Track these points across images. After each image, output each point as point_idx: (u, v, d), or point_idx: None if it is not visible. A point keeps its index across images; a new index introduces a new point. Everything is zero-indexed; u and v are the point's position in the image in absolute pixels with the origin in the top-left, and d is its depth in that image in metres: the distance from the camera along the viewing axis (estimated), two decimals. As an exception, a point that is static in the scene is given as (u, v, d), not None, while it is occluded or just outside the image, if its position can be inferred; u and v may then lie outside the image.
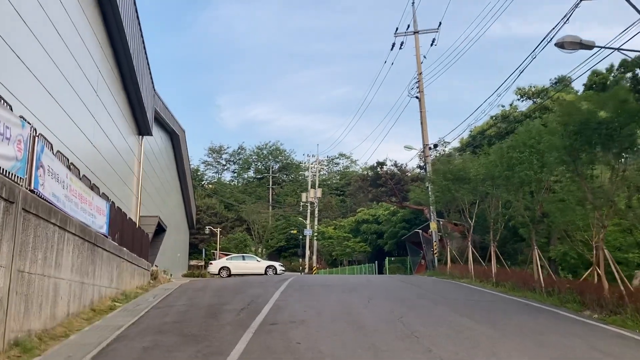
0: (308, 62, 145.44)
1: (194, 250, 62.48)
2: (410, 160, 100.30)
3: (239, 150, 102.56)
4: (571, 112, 11.21)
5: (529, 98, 26.35)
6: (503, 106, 26.45)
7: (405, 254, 47.78)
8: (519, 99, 26.33)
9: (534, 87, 25.59)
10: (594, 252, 16.23)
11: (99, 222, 14.37)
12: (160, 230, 33.92)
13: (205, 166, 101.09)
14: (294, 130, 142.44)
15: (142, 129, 28.86)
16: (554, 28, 17.30)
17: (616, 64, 22.73)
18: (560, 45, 10.19)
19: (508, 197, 16.47)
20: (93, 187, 14.09)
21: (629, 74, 22.92)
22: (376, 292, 15.87)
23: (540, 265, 16.07)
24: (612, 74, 23.79)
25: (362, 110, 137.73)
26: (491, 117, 27.93)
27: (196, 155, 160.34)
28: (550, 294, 14.54)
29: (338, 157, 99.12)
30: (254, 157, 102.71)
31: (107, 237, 14.91)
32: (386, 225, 50.53)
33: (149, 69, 28.02)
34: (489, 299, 14.60)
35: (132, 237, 20.02)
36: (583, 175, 11.94)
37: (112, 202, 16.72)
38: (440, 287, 18.01)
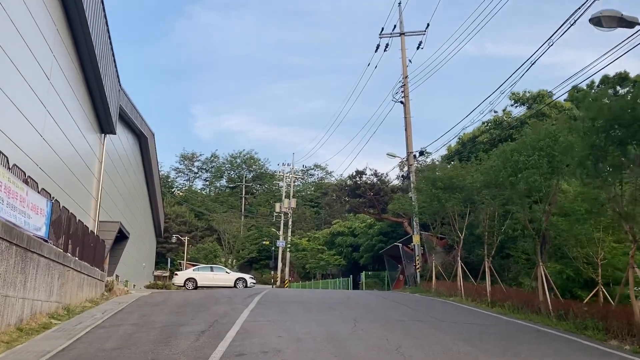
0: (284, 75, 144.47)
1: (161, 260, 59.50)
2: (392, 170, 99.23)
3: (212, 158, 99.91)
4: (599, 107, 9.50)
5: (523, 104, 24.92)
6: (496, 112, 25.02)
7: (381, 268, 45.94)
8: (512, 105, 24.92)
9: (529, 92, 24.20)
10: (599, 270, 14.66)
11: (36, 223, 11.97)
12: (122, 237, 31.27)
13: (176, 173, 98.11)
14: (268, 141, 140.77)
15: (105, 127, 26.43)
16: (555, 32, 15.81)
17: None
18: (597, 21, 8.46)
19: (512, 206, 14.69)
20: (28, 181, 11.73)
21: (610, 90, 21.91)
22: (360, 312, 13.84)
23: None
24: (593, 90, 22.67)
25: (338, 122, 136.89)
26: (483, 123, 26.43)
27: (168, 162, 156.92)
28: (561, 318, 12.74)
29: (313, 168, 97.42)
30: (227, 166, 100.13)
31: (46, 241, 12.51)
32: (362, 238, 48.70)
33: (114, 60, 25.63)
34: (491, 322, 12.71)
35: (83, 243, 17.55)
36: (608, 179, 10.20)
37: (55, 200, 14.31)
38: (431, 307, 16.08)
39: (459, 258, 20.96)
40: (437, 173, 20.05)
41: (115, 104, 26.61)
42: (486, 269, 18.00)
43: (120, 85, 27.75)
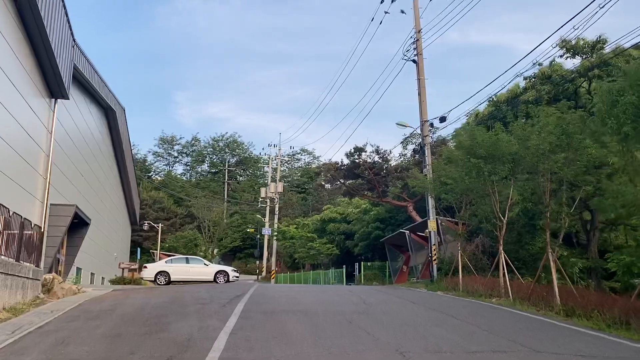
0: (269, 61, 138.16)
1: (135, 249, 54.31)
2: (394, 148, 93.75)
3: (193, 142, 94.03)
4: None
5: (576, 54, 20.23)
6: (541, 64, 20.31)
7: (378, 257, 41.54)
8: (562, 56, 20.25)
9: (583, 40, 19.52)
10: None
11: None
12: (82, 223, 26.19)
13: (154, 157, 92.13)
14: (253, 129, 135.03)
15: (55, 90, 21.27)
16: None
17: None
18: None
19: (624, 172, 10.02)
20: None
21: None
22: (397, 332, 9.13)
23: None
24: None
25: (326, 103, 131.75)
26: (525, 79, 21.61)
27: (147, 146, 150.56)
28: None
29: (300, 153, 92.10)
30: (209, 150, 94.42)
31: None
32: (357, 224, 44.27)
33: (65, 10, 20.33)
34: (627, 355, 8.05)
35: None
36: None
37: None
38: (488, 318, 11.40)
39: (501, 247, 16.32)
40: (482, 138, 15.24)
41: (67, 63, 21.39)
42: (551, 263, 13.34)
43: (75, 42, 22.48)
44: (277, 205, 56.18)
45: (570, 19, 21.15)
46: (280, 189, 55.64)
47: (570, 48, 19.68)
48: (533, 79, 21.18)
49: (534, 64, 19.20)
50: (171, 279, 26.79)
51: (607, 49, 19.09)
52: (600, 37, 19.64)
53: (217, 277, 26.83)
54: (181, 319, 10.47)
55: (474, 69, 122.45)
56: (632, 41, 15.02)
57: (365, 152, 34.91)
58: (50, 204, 21.07)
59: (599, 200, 11.86)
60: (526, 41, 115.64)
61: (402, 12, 24.60)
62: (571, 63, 20.50)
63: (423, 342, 8.26)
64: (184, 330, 9.04)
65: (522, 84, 22.03)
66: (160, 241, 56.74)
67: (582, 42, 19.61)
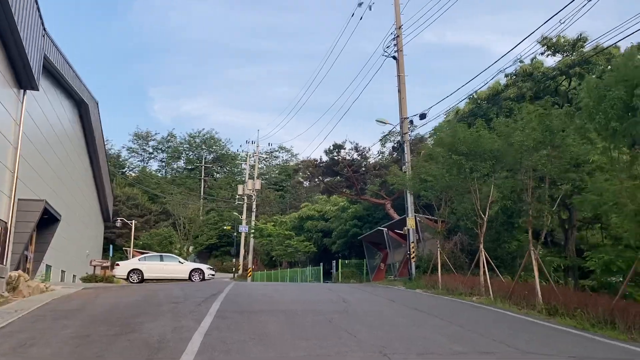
0: (246, 59, 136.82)
1: (108, 247, 53.05)
2: (373, 145, 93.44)
3: (169, 138, 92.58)
4: None
5: (558, 51, 20.19)
6: (522, 61, 20.25)
7: (355, 255, 41.34)
8: (543, 53, 20.18)
9: (563, 38, 19.49)
10: None
11: None
12: (52, 219, 25.29)
13: (129, 153, 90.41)
14: (230, 126, 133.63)
15: (24, 81, 20.35)
16: None
17: None
18: None
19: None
20: None
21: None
22: (380, 332, 8.82)
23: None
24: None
25: (305, 100, 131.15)
26: (506, 76, 21.55)
27: (121, 142, 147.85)
28: None
29: (278, 150, 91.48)
30: (185, 146, 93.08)
31: None
32: (335, 222, 44.01)
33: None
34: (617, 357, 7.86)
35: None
36: None
37: None
38: (472, 318, 11.18)
39: (481, 245, 16.17)
40: (463, 135, 15.06)
41: (36, 53, 20.50)
42: (533, 262, 13.19)
43: (45, 31, 21.58)
44: (254, 203, 55.56)
45: (552, 16, 21.07)
46: (257, 186, 55.00)
47: (551, 45, 19.68)
48: (514, 76, 21.15)
49: (515, 61, 19.23)
50: (144, 277, 26.06)
51: (588, 47, 19.20)
52: (580, 35, 19.71)
53: (192, 275, 26.19)
54: (154, 319, 9.98)
55: (449, 70, 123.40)
56: (611, 40, 14.91)
57: (345, 149, 34.67)
58: (18, 199, 20.21)
59: (583, 197, 11.76)
60: (502, 42, 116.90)
61: (370, 8, 25.27)
62: (552, 61, 20.57)
63: (407, 343, 7.95)
64: (157, 331, 8.57)
65: (503, 81, 22.06)
66: (134, 238, 55.59)
67: (562, 40, 19.64)
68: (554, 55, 20.24)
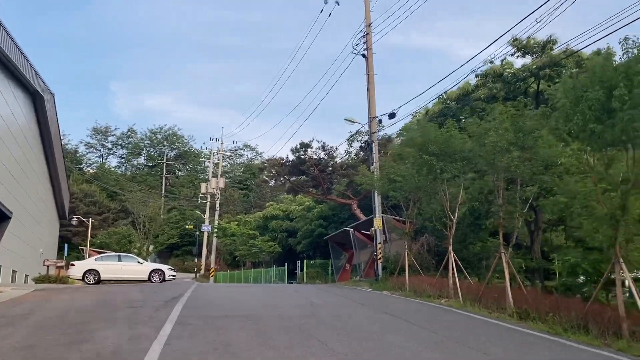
0: (212, 55, 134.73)
1: (63, 246, 51.02)
2: (340, 145, 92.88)
3: (129, 134, 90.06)
4: None
5: (528, 53, 20.21)
6: (492, 62, 20.20)
7: (321, 255, 40.98)
8: (513, 54, 20.17)
9: (533, 39, 19.48)
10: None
11: None
12: (2, 216, 23.95)
13: (87, 148, 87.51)
14: (193, 123, 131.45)
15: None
16: None
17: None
18: None
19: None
20: None
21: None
22: (351, 340, 8.37)
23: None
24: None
25: (270, 99, 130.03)
26: (477, 76, 21.41)
27: (78, 137, 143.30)
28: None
29: (242, 149, 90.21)
30: (146, 142, 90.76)
31: None
32: (300, 222, 43.53)
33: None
34: None
35: None
36: None
37: None
38: (443, 322, 10.85)
39: (450, 247, 15.97)
40: (434, 135, 14.84)
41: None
42: (504, 264, 13.01)
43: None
44: (217, 202, 54.44)
45: (523, 19, 21.22)
46: (221, 185, 53.90)
47: (522, 47, 19.73)
48: (485, 77, 21.12)
49: (486, 62, 19.18)
50: (101, 278, 24.96)
51: (557, 51, 19.31)
52: (550, 37, 19.83)
53: (152, 276, 25.24)
54: (109, 326, 9.26)
55: (414, 73, 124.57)
56: (581, 44, 14.91)
57: (312, 148, 34.20)
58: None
59: (555, 199, 11.63)
60: (465, 46, 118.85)
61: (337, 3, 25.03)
62: (522, 62, 20.65)
63: (384, 353, 7.51)
64: (111, 341, 7.87)
65: (473, 81, 22.01)
66: (91, 237, 53.66)
67: (532, 42, 19.70)
68: (524, 57, 20.36)
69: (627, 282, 16.57)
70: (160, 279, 25.19)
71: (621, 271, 9.63)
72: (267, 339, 8.24)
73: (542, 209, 19.30)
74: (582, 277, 16.90)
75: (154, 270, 25.76)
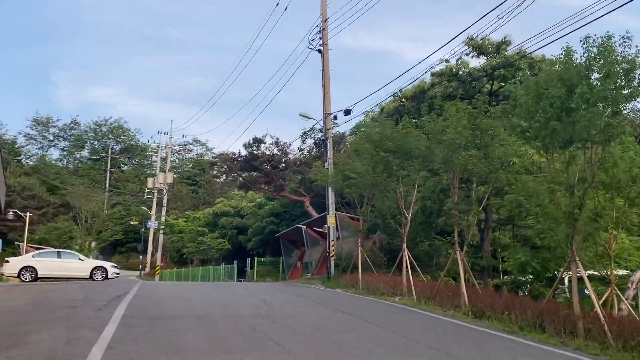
0: (160, 47, 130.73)
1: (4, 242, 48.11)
2: (294, 141, 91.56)
3: (72, 125, 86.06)
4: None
5: (483, 53, 20.38)
6: (448, 61, 20.24)
7: (272, 253, 40.43)
8: (468, 54, 20.27)
9: (488, 40, 19.66)
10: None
11: None
12: None
13: (26, 139, 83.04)
14: (141, 116, 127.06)
15: None
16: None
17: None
18: None
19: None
20: None
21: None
22: (309, 341, 8.00)
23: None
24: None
25: (222, 95, 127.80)
26: (432, 75, 21.41)
27: (17, 127, 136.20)
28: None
29: (192, 144, 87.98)
30: (90, 135, 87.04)
31: None
32: (251, 219, 42.75)
33: None
34: None
35: None
36: None
37: None
38: (401, 322, 10.64)
39: (404, 245, 15.88)
40: (392, 132, 14.69)
41: None
42: (459, 263, 12.96)
43: None
44: (165, 197, 52.82)
45: (476, 21, 21.45)
46: (169, 180, 52.32)
47: (477, 47, 19.92)
48: (440, 76, 21.22)
49: (442, 60, 19.23)
50: (39, 276, 23.52)
51: (510, 52, 19.61)
52: (504, 38, 20.13)
53: (94, 274, 24.00)
54: (45, 327, 8.49)
55: (367, 75, 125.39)
56: (534, 45, 15.11)
57: (265, 143, 33.51)
58: None
59: (514, 197, 11.66)
60: (416, 50, 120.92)
61: None
62: (477, 62, 20.88)
63: (343, 355, 7.17)
64: (46, 345, 7.16)
65: (428, 79, 22.08)
66: (29, 232, 50.78)
67: (487, 42, 19.94)
68: (478, 57, 20.58)
69: (565, 280, 17.08)
70: (102, 277, 24.02)
71: (577, 270, 9.67)
72: (220, 341, 7.74)
73: (492, 208, 19.58)
74: (530, 276, 17.24)
75: (96, 268, 24.54)
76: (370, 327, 9.57)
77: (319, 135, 30.97)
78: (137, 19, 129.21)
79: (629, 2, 11.43)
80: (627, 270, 15.28)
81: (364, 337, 8.44)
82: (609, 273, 12.11)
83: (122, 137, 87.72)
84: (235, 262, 39.30)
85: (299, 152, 34.05)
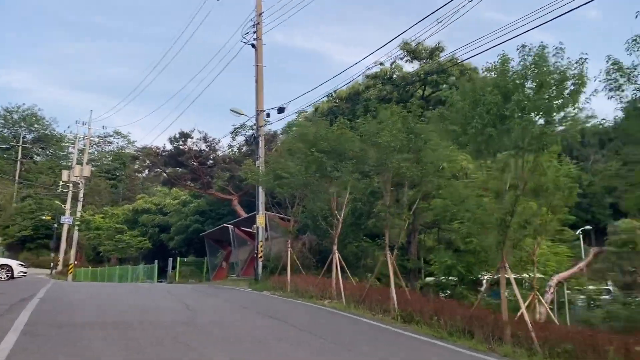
0: (81, 33, 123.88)
1: None
2: (224, 137, 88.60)
3: (-21, 111, 79.47)
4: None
5: (416, 58, 20.57)
6: (382, 64, 20.28)
7: (196, 253, 39.13)
8: (402, 58, 20.38)
9: (422, 45, 19.88)
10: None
11: None
12: None
13: None
14: (57, 105, 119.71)
15: None
16: None
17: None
18: None
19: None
20: None
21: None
22: (242, 353, 7.48)
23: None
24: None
25: (147, 87, 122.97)
26: (367, 77, 21.29)
27: None
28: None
29: (113, 136, 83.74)
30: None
31: None
32: (174, 217, 41.19)
33: None
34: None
35: None
36: None
37: None
38: (335, 330, 10.35)
39: (335, 247, 15.65)
40: (326, 132, 14.41)
41: None
42: (389, 266, 12.85)
43: None
44: (81, 191, 49.79)
45: (411, 26, 21.66)
46: (86, 173, 49.36)
47: (411, 51, 20.16)
48: (375, 78, 21.29)
49: (376, 63, 19.29)
50: None
51: (444, 58, 20.01)
52: (438, 44, 20.52)
53: (-2, 273, 22.00)
54: None
55: (299, 75, 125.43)
56: (467, 54, 15.40)
57: (192, 138, 32.28)
58: None
59: (442, 201, 11.73)
60: (349, 53, 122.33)
61: None
62: (411, 67, 21.15)
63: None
64: None
65: (363, 81, 22.05)
66: None
67: (421, 47, 20.23)
68: (412, 62, 20.88)
69: (484, 283, 17.65)
70: (7, 276, 22.06)
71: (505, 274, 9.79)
72: (137, 352, 7.04)
73: (419, 212, 19.89)
74: (455, 278, 17.62)
75: (0, 266, 22.52)
76: (300, 334, 9.18)
77: (251, 132, 30.29)
78: (58, 2, 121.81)
79: (548, 21, 11.88)
80: (543, 275, 15.92)
81: (294, 345, 8.04)
82: (531, 278, 12.53)
83: (35, 125, 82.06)
84: (156, 261, 37.67)
85: (229, 149, 33.14)
